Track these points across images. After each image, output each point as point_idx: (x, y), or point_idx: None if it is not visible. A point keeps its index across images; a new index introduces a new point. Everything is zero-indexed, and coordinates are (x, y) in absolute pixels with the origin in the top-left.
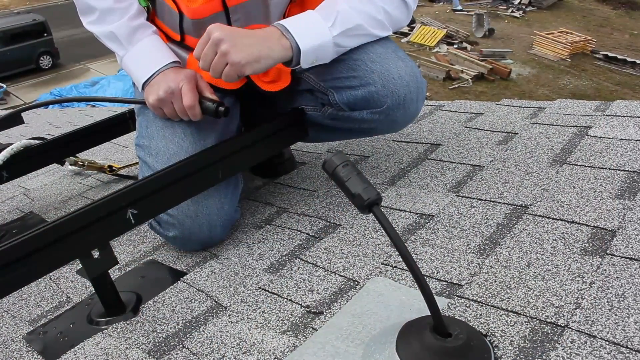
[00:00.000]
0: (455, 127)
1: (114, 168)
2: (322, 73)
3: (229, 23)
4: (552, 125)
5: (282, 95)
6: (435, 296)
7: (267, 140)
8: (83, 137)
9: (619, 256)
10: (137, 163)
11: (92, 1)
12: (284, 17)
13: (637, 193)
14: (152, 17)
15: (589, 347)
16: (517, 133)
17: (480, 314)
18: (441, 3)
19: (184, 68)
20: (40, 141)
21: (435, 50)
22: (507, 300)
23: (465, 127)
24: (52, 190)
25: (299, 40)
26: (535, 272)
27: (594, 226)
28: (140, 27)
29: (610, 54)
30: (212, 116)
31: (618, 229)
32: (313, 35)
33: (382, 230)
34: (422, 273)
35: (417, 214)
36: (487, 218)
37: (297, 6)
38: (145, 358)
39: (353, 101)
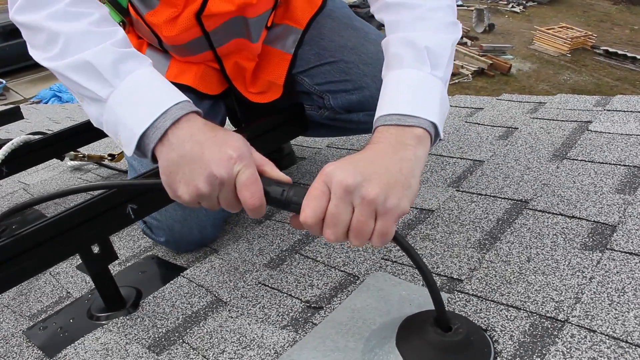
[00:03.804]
0: (456, 122)
1: (115, 156)
2: (315, 77)
3: (211, 44)
4: (553, 120)
5: (279, 97)
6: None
7: (267, 135)
8: (83, 132)
9: (619, 251)
10: None
11: (57, 25)
12: (266, 28)
13: (638, 188)
14: (129, 30)
15: (589, 341)
16: (518, 128)
17: (480, 309)
18: None
19: (217, 125)
20: (40, 136)
21: None
22: (507, 295)
23: (466, 122)
24: (52, 185)
25: (427, 115)
26: (535, 267)
27: (594, 221)
28: (132, 56)
29: (610, 50)
30: (280, 208)
31: (618, 224)
32: (429, 95)
33: None
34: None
35: (417, 208)
36: (487, 213)
37: (281, 8)
38: (145, 353)
39: (348, 105)
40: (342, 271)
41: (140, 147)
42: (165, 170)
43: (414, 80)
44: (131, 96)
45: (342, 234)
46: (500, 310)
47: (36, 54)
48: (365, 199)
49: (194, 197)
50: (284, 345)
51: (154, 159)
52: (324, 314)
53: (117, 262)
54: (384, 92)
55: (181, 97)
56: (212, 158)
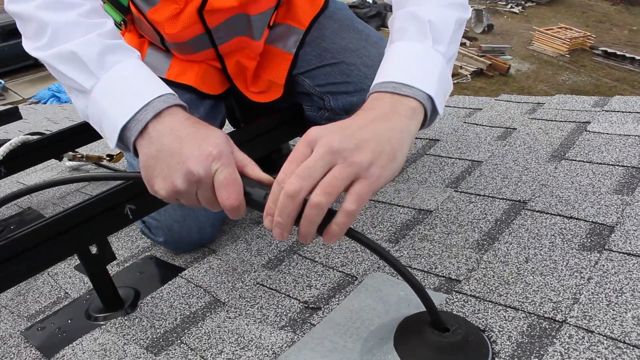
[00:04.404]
0: (454, 122)
1: (113, 156)
2: (316, 78)
3: (213, 42)
4: (551, 120)
5: (279, 98)
6: (432, 291)
7: (266, 135)
8: (81, 132)
9: (617, 252)
10: None
11: (46, 14)
12: (268, 27)
13: (636, 188)
14: (130, 28)
15: (587, 342)
16: (516, 128)
17: (478, 310)
18: None
19: (200, 120)
20: (39, 137)
21: None
22: (505, 296)
23: (464, 122)
24: None
25: (423, 86)
26: (533, 268)
27: (592, 221)
28: (118, 47)
29: (609, 50)
30: (261, 211)
31: (616, 225)
32: (427, 68)
33: (381, 226)
34: (420, 268)
35: (415, 209)
36: (485, 213)
37: (283, 7)
38: (144, 354)
39: (349, 107)
40: (340, 272)
41: (122, 139)
42: (144, 164)
43: (413, 52)
44: (115, 88)
45: (306, 189)
46: (498, 311)
47: (27, 44)
48: (348, 160)
49: (171, 194)
50: (282, 345)
51: (136, 153)
52: (322, 314)
53: (115, 262)
54: (383, 62)
55: (165, 89)
56: (191, 154)
